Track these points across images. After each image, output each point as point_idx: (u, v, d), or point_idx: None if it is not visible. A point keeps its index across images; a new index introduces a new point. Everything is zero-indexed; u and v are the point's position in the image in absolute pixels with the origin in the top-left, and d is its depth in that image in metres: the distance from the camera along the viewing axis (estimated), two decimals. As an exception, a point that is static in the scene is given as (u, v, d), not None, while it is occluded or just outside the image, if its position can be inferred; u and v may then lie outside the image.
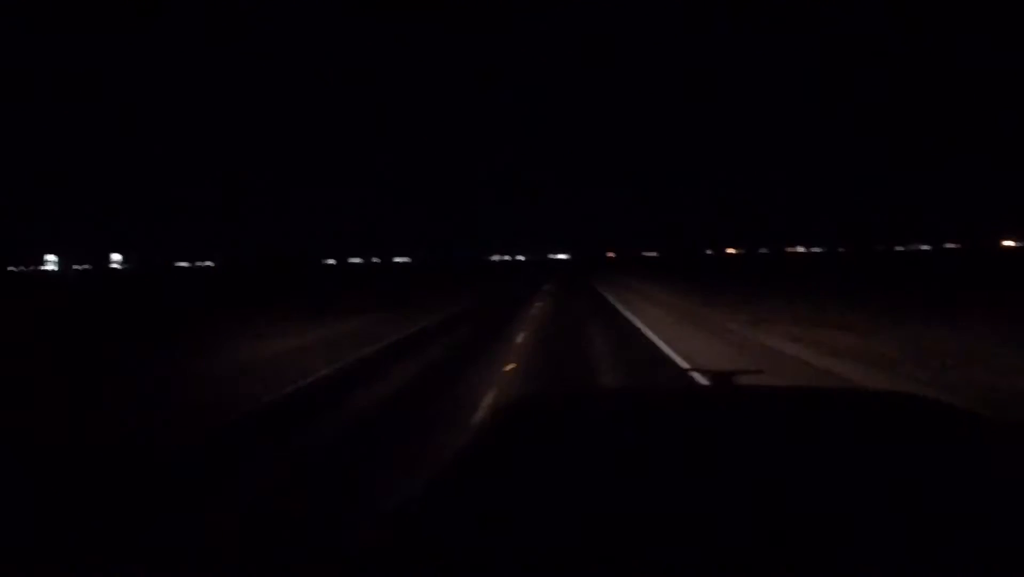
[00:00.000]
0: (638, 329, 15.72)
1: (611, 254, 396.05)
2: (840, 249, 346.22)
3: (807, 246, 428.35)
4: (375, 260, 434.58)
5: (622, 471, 1.37)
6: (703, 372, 4.61)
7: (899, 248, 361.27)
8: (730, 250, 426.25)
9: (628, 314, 19.93)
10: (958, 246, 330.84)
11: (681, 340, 13.31)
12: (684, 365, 9.97)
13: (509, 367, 10.54)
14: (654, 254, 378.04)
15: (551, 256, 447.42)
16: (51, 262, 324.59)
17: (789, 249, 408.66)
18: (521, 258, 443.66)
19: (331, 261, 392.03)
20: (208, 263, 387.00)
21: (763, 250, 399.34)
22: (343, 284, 59.89)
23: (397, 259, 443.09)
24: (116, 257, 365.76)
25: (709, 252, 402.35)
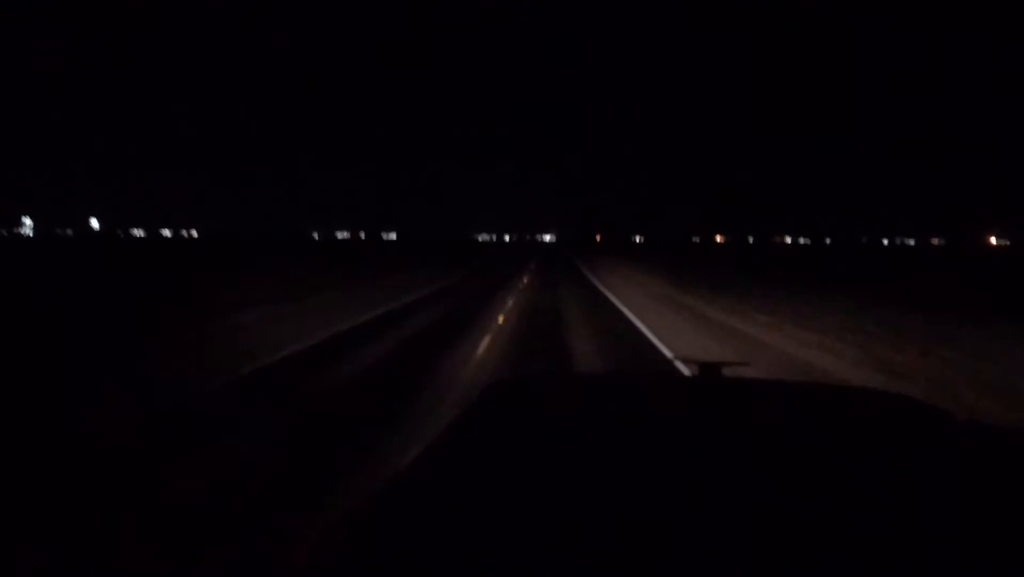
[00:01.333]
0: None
1: (599, 237, 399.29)
2: (827, 240, 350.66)
3: (794, 236, 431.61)
4: (361, 235, 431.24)
5: (595, 467, 1.34)
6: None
7: (884, 241, 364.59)
8: (718, 237, 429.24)
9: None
10: (942, 242, 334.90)
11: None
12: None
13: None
14: (641, 239, 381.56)
15: (538, 237, 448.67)
16: (27, 226, 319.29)
17: (776, 239, 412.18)
18: (507, 237, 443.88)
19: (315, 235, 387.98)
20: (193, 232, 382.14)
21: (750, 239, 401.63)
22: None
23: (384, 235, 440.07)
24: (93, 222, 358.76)
25: (696, 239, 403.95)
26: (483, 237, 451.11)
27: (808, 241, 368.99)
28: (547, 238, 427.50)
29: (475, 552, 0.99)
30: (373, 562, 1.00)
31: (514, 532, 1.05)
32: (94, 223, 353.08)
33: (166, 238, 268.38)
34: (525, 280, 29.10)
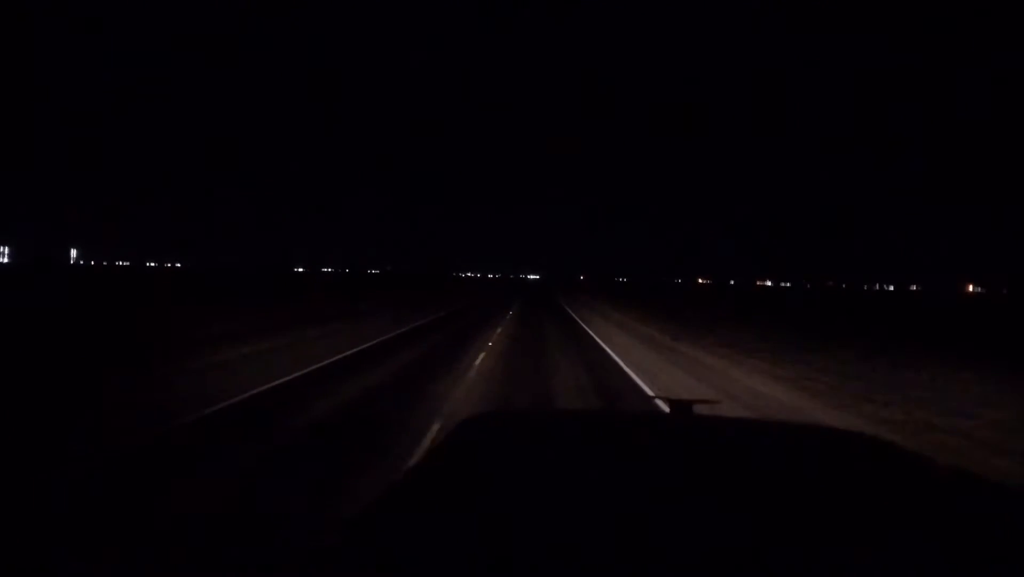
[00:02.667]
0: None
1: (583, 277, 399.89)
2: (807, 285, 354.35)
3: (776, 281, 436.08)
4: (346, 271, 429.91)
5: (564, 501, 1.32)
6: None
7: (864, 287, 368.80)
8: (700, 280, 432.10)
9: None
10: (919, 288, 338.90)
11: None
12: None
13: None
14: (624, 279, 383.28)
15: (522, 275, 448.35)
16: (2, 253, 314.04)
17: (759, 282, 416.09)
18: (491, 276, 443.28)
19: (300, 269, 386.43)
20: (177, 264, 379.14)
21: (732, 282, 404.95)
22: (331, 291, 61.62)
23: (371, 271, 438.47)
24: (72, 253, 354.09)
25: (679, 280, 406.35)
26: (467, 274, 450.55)
27: (788, 285, 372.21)
28: (532, 277, 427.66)
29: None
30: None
31: (481, 564, 1.06)
32: (72, 253, 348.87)
33: (148, 268, 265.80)
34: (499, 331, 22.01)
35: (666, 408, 2.34)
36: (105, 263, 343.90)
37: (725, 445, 1.78)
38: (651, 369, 13.50)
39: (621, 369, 13.30)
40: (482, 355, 14.40)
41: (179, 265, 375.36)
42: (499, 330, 21.61)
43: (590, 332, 22.60)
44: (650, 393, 10.64)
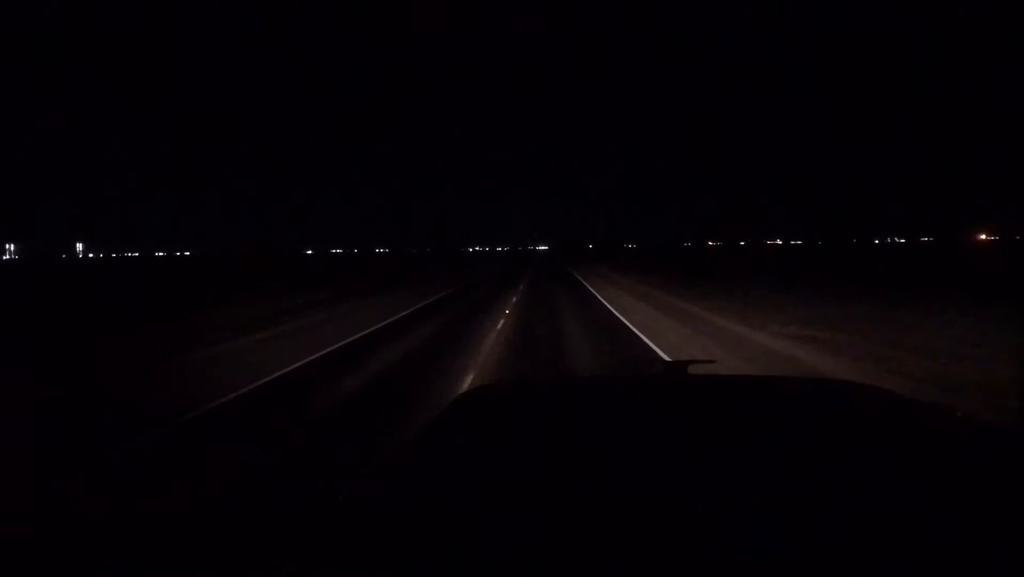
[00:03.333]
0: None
1: (591, 245, 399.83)
2: (819, 242, 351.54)
3: (785, 239, 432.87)
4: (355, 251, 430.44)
5: (567, 466, 1.34)
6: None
7: (876, 241, 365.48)
8: (710, 242, 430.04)
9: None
10: (931, 240, 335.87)
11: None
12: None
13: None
14: (633, 245, 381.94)
15: (531, 247, 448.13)
16: (9, 251, 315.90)
17: (768, 241, 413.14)
18: (500, 249, 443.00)
19: (309, 252, 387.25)
20: (186, 253, 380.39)
21: (742, 242, 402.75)
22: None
23: (379, 250, 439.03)
24: (79, 247, 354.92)
25: (688, 244, 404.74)
26: (476, 248, 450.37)
27: (800, 243, 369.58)
28: (541, 248, 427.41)
29: (445, 554, 1.01)
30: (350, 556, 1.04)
31: (484, 531, 1.06)
32: (79, 247, 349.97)
33: (158, 258, 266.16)
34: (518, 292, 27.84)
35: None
36: (114, 255, 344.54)
37: (722, 403, 1.79)
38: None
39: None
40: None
41: (188, 254, 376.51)
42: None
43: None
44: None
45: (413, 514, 1.16)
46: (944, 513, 1.07)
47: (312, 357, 11.04)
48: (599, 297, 23.51)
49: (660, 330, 13.77)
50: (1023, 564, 0.94)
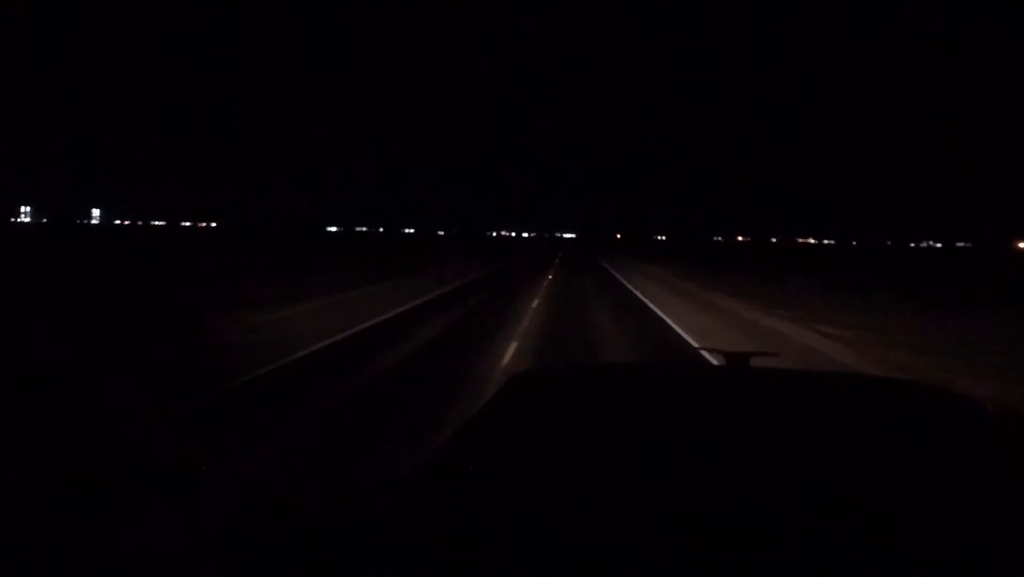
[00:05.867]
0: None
1: (619, 235, 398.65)
2: (854, 242, 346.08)
3: (818, 238, 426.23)
4: (380, 230, 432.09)
5: (620, 454, 1.34)
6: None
7: (911, 244, 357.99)
8: (740, 238, 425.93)
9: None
10: (968, 245, 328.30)
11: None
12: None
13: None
14: (663, 237, 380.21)
15: (558, 234, 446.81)
16: (25, 213, 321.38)
17: (800, 240, 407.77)
18: (527, 234, 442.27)
19: (333, 228, 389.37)
20: (212, 224, 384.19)
21: (773, 239, 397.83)
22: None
23: (405, 230, 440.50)
24: (95, 212, 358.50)
25: (719, 238, 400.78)
26: (503, 233, 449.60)
27: (832, 242, 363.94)
28: (568, 236, 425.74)
29: (498, 537, 1.00)
30: (413, 530, 1.05)
31: (540, 519, 1.04)
32: (95, 213, 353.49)
33: (178, 228, 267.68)
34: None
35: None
36: (129, 223, 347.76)
37: (786, 399, 1.75)
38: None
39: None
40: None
41: (214, 225, 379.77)
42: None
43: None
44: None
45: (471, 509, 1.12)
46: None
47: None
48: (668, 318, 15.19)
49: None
50: None
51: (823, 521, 1.02)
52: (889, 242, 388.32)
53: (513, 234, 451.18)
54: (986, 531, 1.00)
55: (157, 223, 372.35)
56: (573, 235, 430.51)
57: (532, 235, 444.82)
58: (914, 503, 1.09)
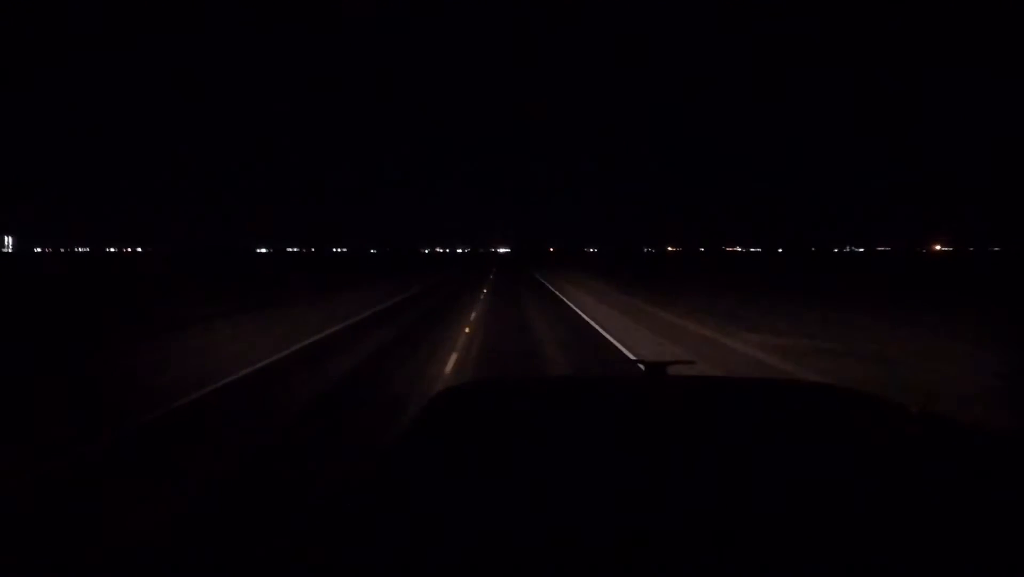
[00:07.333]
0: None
1: (552, 249, 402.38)
2: (779, 250, 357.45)
3: (745, 246, 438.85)
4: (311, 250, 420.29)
5: (545, 467, 1.33)
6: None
7: (835, 250, 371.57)
8: (669, 248, 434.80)
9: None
10: (888, 249, 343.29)
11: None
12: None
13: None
14: (594, 250, 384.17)
15: (493, 249, 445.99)
16: (7, 244, 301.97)
17: (728, 248, 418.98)
18: (460, 251, 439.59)
19: (263, 250, 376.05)
20: (137, 249, 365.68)
21: (701, 248, 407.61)
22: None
23: (336, 249, 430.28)
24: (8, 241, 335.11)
25: (649, 249, 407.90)
26: (437, 250, 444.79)
27: (759, 250, 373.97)
28: (503, 250, 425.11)
29: (433, 551, 1.00)
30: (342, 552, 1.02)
31: (468, 536, 1.04)
32: (8, 241, 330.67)
33: (110, 254, 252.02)
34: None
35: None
36: (50, 250, 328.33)
37: (702, 404, 1.77)
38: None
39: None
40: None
41: (139, 250, 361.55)
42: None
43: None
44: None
45: (394, 522, 1.10)
46: (935, 518, 1.06)
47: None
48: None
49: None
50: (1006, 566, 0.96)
51: (743, 525, 1.02)
52: (813, 248, 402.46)
53: (447, 250, 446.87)
54: (909, 531, 1.01)
55: (80, 249, 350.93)
56: (508, 249, 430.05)
57: (467, 250, 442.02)
58: (835, 504, 1.10)
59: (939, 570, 0.92)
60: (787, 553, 0.95)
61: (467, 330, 14.04)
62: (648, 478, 1.22)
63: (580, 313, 18.00)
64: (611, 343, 12.32)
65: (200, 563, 4.11)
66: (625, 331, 14.04)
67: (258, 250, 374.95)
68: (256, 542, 4.19)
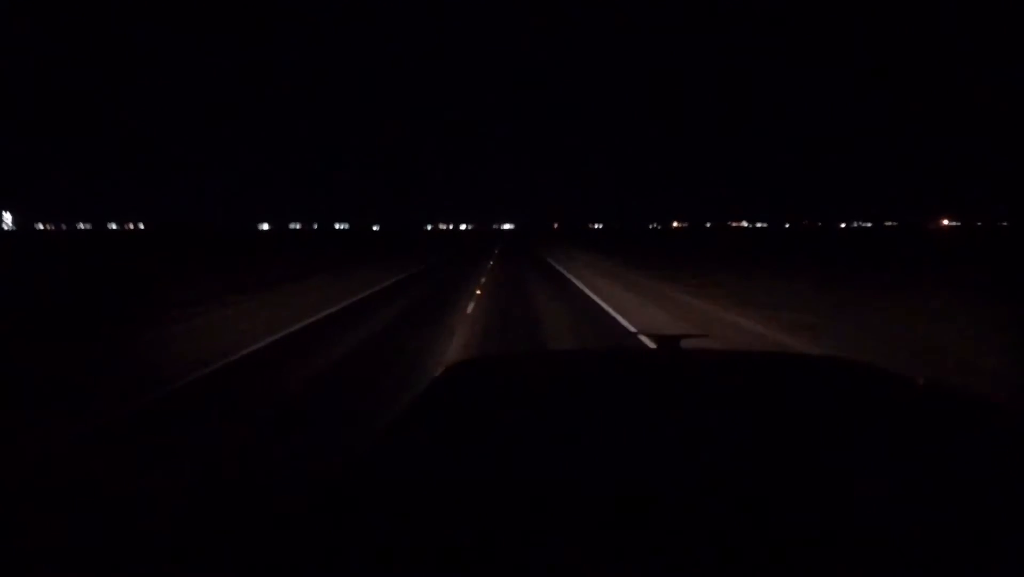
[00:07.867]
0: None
1: (556, 225, 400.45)
2: (786, 225, 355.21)
3: (751, 222, 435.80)
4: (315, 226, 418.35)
5: (557, 439, 1.32)
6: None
7: (842, 225, 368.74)
8: (675, 224, 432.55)
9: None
10: (895, 224, 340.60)
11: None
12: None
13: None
14: (600, 226, 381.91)
15: (497, 225, 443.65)
16: (7, 221, 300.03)
17: (735, 224, 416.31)
18: (465, 227, 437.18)
19: (265, 226, 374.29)
20: (140, 225, 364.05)
21: (708, 224, 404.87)
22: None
23: (337, 225, 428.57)
24: (7, 217, 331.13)
25: (655, 225, 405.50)
26: (442, 227, 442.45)
27: (765, 226, 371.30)
28: (507, 227, 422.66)
29: (440, 530, 0.98)
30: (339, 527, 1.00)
31: (478, 507, 1.03)
32: (7, 217, 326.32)
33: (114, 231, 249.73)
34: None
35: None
36: (51, 227, 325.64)
37: (716, 378, 1.75)
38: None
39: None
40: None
41: (142, 227, 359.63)
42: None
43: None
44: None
45: (401, 498, 1.09)
46: (951, 495, 1.04)
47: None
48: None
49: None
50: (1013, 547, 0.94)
51: (757, 497, 1.01)
52: (820, 224, 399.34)
53: (451, 227, 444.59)
54: (921, 503, 1.00)
55: (82, 226, 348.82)
56: (512, 226, 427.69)
57: (471, 227, 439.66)
58: (847, 474, 1.09)
59: (950, 539, 0.91)
60: (808, 524, 0.94)
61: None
62: (671, 449, 1.20)
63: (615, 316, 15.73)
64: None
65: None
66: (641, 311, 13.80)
67: (260, 226, 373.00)
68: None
